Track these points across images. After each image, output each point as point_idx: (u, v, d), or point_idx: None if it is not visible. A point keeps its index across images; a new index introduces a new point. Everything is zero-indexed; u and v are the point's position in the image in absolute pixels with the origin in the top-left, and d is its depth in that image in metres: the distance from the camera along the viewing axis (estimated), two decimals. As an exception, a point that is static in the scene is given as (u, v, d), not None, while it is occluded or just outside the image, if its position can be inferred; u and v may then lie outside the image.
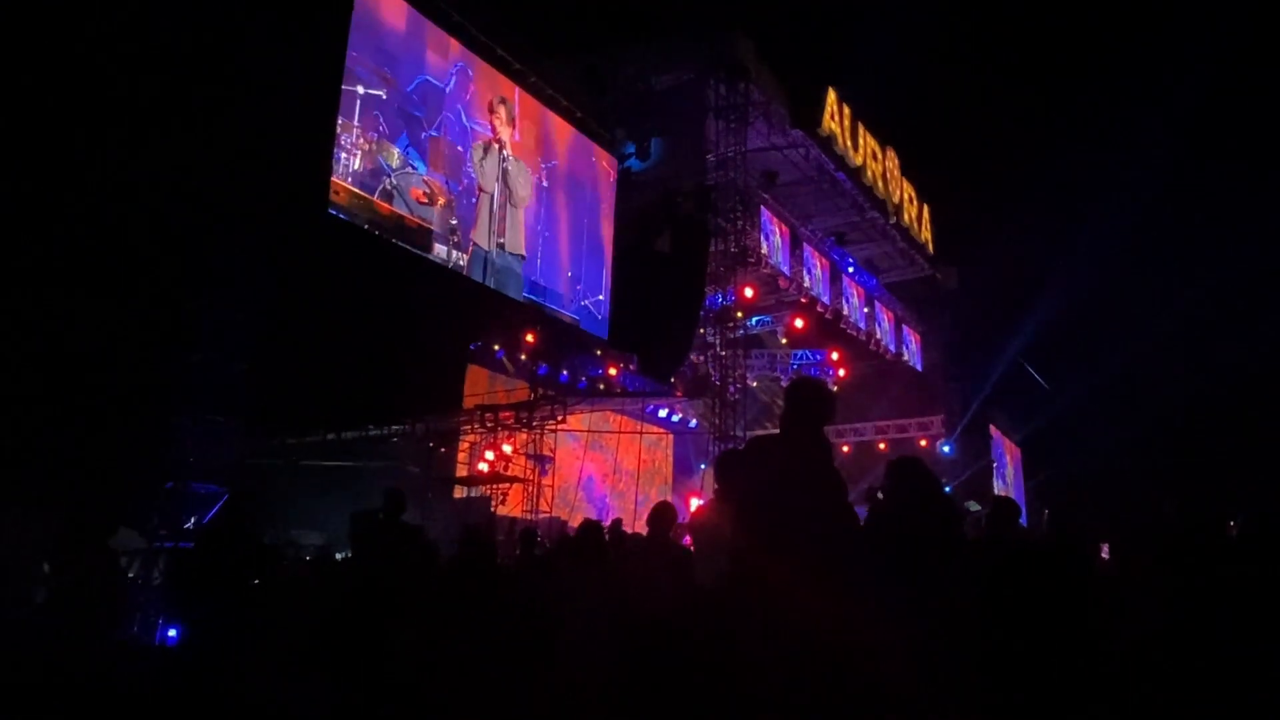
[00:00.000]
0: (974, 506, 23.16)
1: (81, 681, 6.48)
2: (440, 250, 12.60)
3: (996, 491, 25.12)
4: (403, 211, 12.01)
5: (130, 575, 10.59)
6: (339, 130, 11.14)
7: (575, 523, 13.70)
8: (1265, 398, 25.00)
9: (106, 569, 7.57)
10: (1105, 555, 7.03)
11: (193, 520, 12.34)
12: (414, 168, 12.28)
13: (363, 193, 11.44)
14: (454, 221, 12.85)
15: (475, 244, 13.05)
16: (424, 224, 12.37)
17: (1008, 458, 27.49)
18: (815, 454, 3.42)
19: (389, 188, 11.82)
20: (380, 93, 11.75)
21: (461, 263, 12.83)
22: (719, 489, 4.57)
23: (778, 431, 3.55)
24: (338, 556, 10.57)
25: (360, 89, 11.49)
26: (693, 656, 3.90)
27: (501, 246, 13.47)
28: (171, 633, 8.87)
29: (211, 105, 11.45)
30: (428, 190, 12.47)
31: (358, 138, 11.45)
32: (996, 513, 5.19)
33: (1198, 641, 4.22)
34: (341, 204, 11.20)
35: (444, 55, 12.94)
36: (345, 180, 11.26)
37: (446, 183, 12.79)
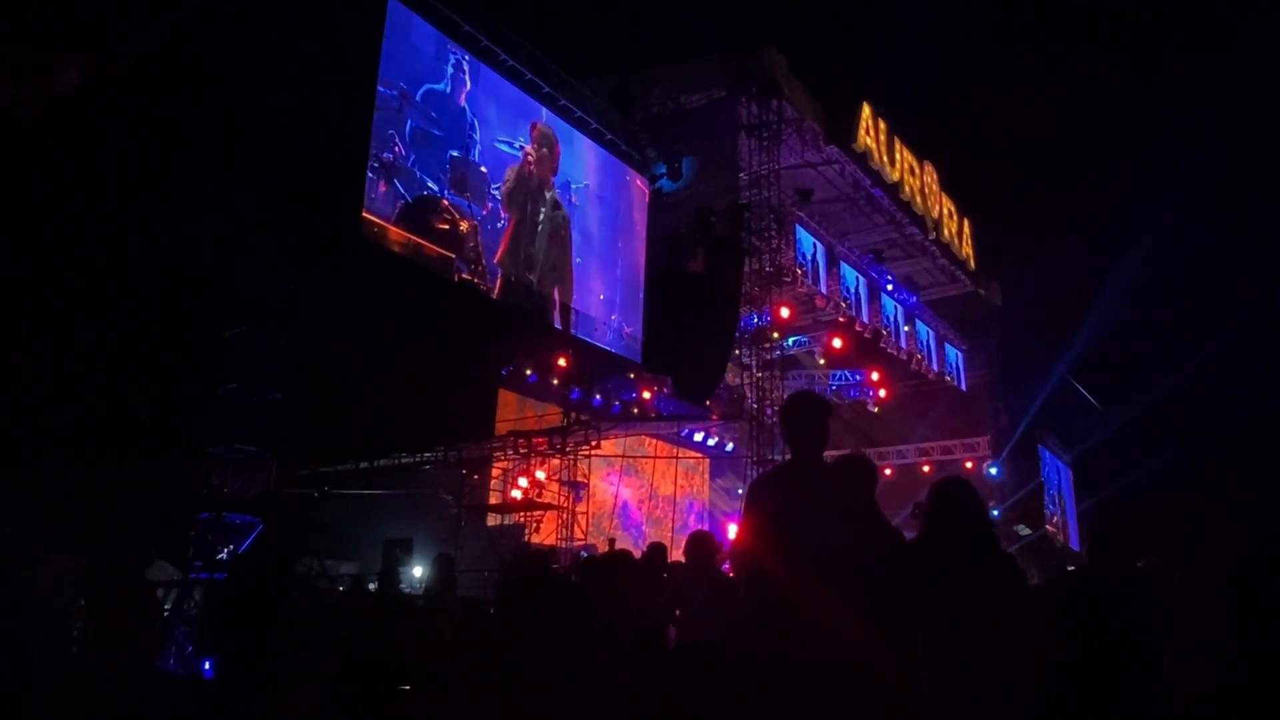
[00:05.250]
0: (1024, 530, 22.43)
1: (120, 716, 6.36)
2: (464, 278, 12.21)
3: (1047, 514, 24.31)
4: (421, 240, 11.60)
5: (166, 607, 10.53)
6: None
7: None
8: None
9: (143, 602, 7.45)
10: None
11: (227, 551, 12.28)
12: (435, 192, 11.95)
13: (380, 220, 11.14)
14: (476, 247, 12.49)
15: (501, 267, 12.76)
16: (443, 253, 11.95)
17: (1058, 479, 26.62)
18: (830, 481, 3.29)
19: (409, 214, 11.46)
20: (406, 117, 11.61)
21: (483, 288, 12.53)
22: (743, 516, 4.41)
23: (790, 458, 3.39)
24: (370, 586, 10.43)
25: (388, 114, 11.40)
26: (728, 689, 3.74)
27: (530, 279, 13.16)
28: (207, 665, 8.78)
29: (243, 133, 11.49)
30: (449, 217, 12.10)
31: (380, 163, 11.23)
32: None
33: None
34: (365, 233, 11.02)
35: (473, 79, 12.86)
36: (370, 210, 11.08)
37: (470, 207, 12.50)
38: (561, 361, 14.96)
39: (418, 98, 11.92)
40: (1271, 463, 23.04)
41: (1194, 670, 4.51)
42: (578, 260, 14.34)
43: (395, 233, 11.31)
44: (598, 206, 14.96)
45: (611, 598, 4.98)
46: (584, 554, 12.08)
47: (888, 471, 22.09)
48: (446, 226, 12.03)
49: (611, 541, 14.03)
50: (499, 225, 12.98)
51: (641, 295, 15.47)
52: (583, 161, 14.84)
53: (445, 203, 12.09)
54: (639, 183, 15.89)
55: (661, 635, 4.95)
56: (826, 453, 3.44)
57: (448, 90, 12.45)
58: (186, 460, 12.53)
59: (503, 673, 5.13)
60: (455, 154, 12.37)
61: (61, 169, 10.12)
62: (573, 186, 14.51)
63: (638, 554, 7.64)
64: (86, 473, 10.93)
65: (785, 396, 16.60)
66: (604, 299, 14.87)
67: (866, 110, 16.68)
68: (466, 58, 12.72)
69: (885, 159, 17.26)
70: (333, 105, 11.37)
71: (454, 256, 12.14)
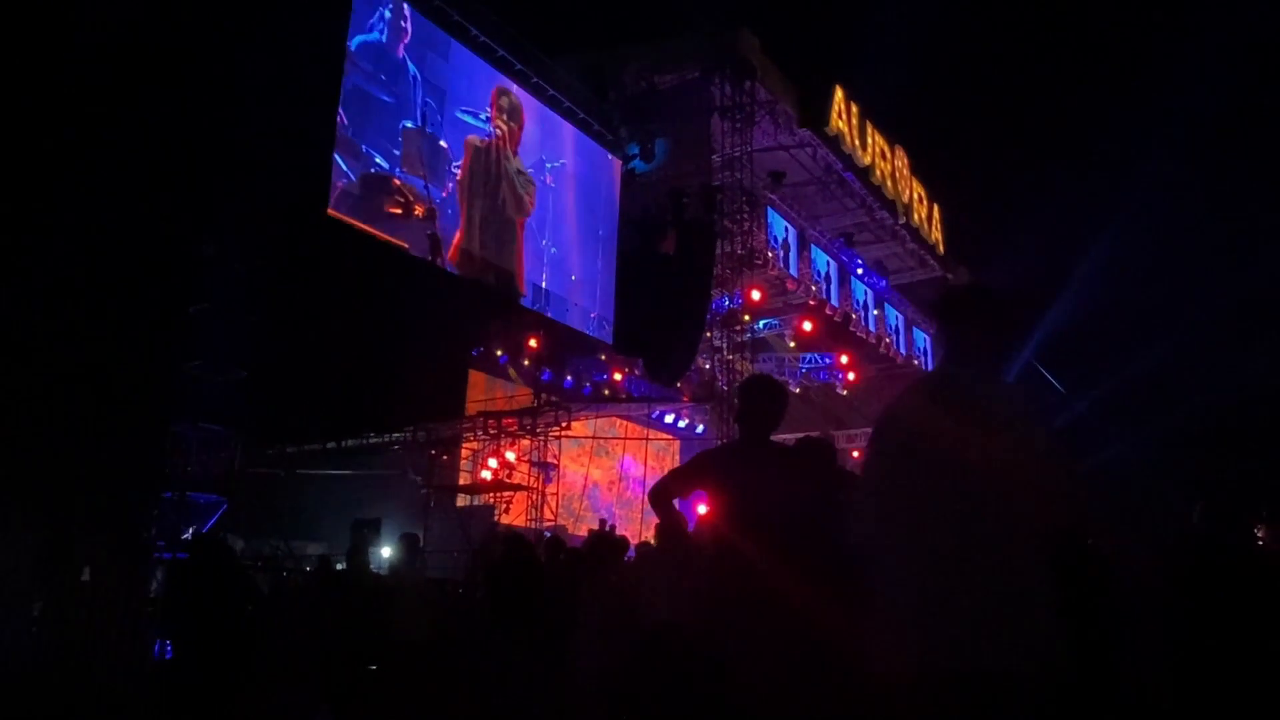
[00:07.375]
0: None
1: (81, 698, 6.30)
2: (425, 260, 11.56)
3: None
4: (369, 227, 10.71)
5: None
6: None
7: (580, 532, 13.43)
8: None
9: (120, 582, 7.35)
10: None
11: (190, 530, 12.15)
12: (385, 169, 11.19)
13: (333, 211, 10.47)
14: (435, 234, 11.66)
15: (462, 253, 12.22)
16: (394, 241, 11.09)
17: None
18: (790, 457, 3.35)
19: (353, 195, 10.75)
20: (371, 91, 11.18)
21: (448, 271, 11.99)
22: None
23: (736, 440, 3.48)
24: (339, 567, 10.37)
25: (355, 93, 11.10)
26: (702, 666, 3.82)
27: (492, 258, 12.79)
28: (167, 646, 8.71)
29: (208, 110, 11.25)
30: (401, 200, 11.16)
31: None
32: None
33: (1221, 657, 3.99)
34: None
35: (444, 56, 12.66)
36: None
37: (427, 188, 11.55)
38: (533, 343, 14.90)
39: (392, 82, 11.04)
40: (1235, 446, 23.60)
41: (1149, 650, 4.62)
42: (552, 248, 14.22)
43: (333, 215, 10.31)
44: (574, 186, 14.85)
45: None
46: (547, 534, 12.12)
47: (856, 454, 22.31)
48: (399, 211, 10.94)
49: (603, 523, 14.02)
50: (458, 208, 12.22)
51: (614, 276, 15.42)
52: (559, 140, 14.69)
53: (397, 182, 11.03)
54: (618, 163, 15.78)
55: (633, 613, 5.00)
56: (793, 435, 3.48)
57: (422, 72, 11.72)
58: (151, 439, 12.35)
59: (486, 654, 5.15)
60: (409, 125, 11.40)
61: (25, 145, 9.86)
62: (548, 165, 14.38)
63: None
64: (46, 451, 10.72)
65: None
66: (576, 279, 14.81)
67: (839, 94, 16.69)
68: (437, 33, 12.39)
69: (857, 143, 17.31)
70: (299, 81, 11.15)
71: (407, 246, 11.08)
